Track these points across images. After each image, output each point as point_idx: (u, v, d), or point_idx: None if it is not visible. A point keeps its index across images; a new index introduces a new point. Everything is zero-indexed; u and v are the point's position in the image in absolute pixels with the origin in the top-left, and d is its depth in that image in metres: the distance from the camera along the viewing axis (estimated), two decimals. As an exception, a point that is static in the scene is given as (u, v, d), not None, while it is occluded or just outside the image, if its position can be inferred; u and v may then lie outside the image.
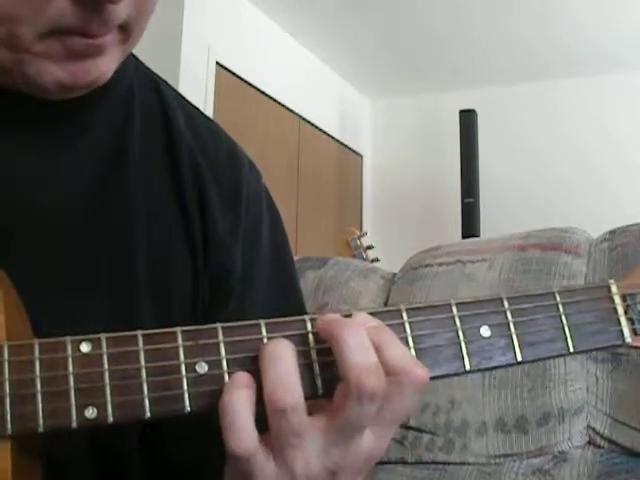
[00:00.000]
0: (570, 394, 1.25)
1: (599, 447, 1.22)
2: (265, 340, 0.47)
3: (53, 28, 0.50)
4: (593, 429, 1.23)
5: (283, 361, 0.45)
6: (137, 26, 0.54)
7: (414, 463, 1.34)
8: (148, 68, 0.69)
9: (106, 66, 0.54)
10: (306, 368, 0.46)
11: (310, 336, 0.47)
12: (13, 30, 0.49)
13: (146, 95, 0.65)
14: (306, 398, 0.45)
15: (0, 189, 0.55)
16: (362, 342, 0.46)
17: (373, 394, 0.44)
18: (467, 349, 0.50)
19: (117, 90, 0.62)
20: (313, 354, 0.47)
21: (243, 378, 0.45)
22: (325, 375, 0.47)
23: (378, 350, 0.46)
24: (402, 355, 0.46)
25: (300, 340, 0.47)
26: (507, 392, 1.28)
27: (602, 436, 1.22)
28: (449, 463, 1.31)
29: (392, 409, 0.46)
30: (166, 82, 0.69)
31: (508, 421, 1.27)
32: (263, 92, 3.94)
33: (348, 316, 0.48)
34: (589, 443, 1.24)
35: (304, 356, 0.47)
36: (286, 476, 0.46)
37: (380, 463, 1.38)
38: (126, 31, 0.54)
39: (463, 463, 1.29)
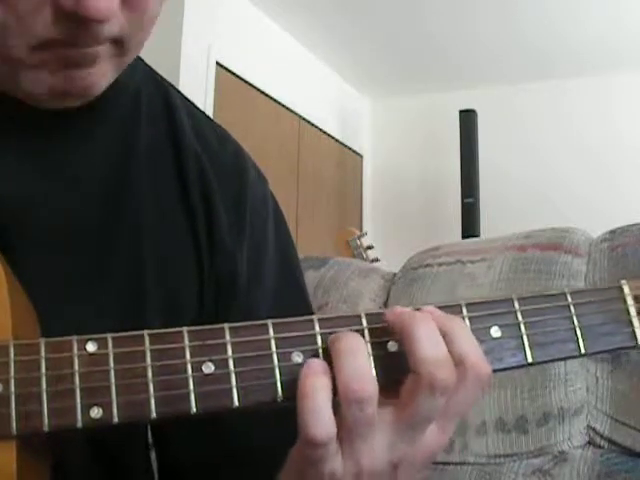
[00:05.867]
0: (570, 394, 1.25)
1: (599, 447, 1.22)
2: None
3: (42, 41, 0.49)
4: (593, 429, 1.23)
5: (359, 354, 0.46)
6: (133, 40, 0.54)
7: (414, 463, 1.34)
8: (155, 72, 0.69)
9: (99, 77, 0.54)
10: None
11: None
12: (5, 42, 0.49)
13: (153, 99, 0.66)
14: None
15: (12, 192, 0.55)
16: (433, 335, 0.46)
17: (445, 387, 0.45)
18: None
19: (124, 93, 0.63)
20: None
21: (320, 365, 0.46)
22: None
23: (447, 341, 0.46)
24: (470, 347, 0.47)
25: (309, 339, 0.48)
26: (507, 392, 1.28)
27: (602, 436, 1.22)
28: (449, 463, 1.30)
29: (457, 402, 0.47)
30: (173, 86, 0.70)
31: (508, 421, 1.27)
32: (263, 92, 3.94)
33: (417, 310, 0.48)
34: (589, 443, 1.24)
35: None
36: (352, 468, 0.46)
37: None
38: (120, 45, 0.53)
39: (463, 463, 1.29)
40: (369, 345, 0.48)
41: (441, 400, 0.45)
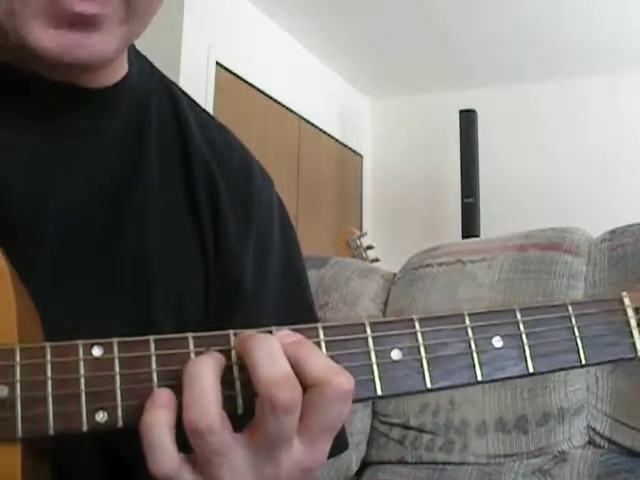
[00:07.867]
0: (570, 394, 1.25)
1: (599, 447, 1.23)
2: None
3: None
4: (593, 429, 1.24)
5: (199, 381, 0.44)
6: (140, 6, 0.53)
7: (414, 463, 1.34)
8: (162, 74, 0.70)
9: (103, 44, 0.53)
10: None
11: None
12: None
13: (161, 102, 0.66)
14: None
15: (19, 189, 0.55)
16: (271, 355, 0.45)
17: (286, 406, 0.43)
18: (479, 359, 0.50)
19: (134, 94, 0.63)
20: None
21: (163, 396, 0.45)
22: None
23: (297, 363, 0.45)
24: (322, 365, 0.46)
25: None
26: (507, 392, 1.29)
27: (602, 436, 1.22)
28: (449, 463, 1.31)
29: (319, 419, 0.45)
30: (180, 88, 0.70)
31: (508, 421, 1.27)
32: (263, 92, 3.94)
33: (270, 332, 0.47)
34: (589, 443, 1.24)
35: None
36: None
37: (380, 463, 1.39)
38: (129, 6, 0.52)
39: (463, 463, 1.29)
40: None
41: (288, 419, 0.44)
